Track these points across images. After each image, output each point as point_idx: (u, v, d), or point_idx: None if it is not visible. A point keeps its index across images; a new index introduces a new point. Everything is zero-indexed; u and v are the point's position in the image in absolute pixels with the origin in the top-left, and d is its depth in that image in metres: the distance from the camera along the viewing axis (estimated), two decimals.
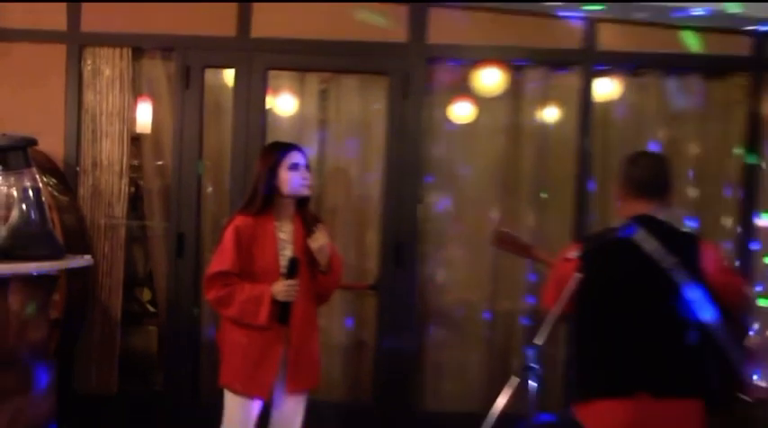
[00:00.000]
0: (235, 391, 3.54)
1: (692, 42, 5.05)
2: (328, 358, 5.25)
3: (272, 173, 3.52)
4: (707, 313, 2.95)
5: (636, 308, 3.02)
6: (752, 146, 5.10)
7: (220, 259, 3.51)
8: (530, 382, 2.89)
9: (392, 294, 5.14)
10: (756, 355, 3.48)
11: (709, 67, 5.15)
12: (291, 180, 3.52)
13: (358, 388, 5.33)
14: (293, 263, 3.43)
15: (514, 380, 2.87)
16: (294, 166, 3.53)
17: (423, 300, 5.25)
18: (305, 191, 3.59)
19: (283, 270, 3.47)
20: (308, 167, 3.62)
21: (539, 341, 2.93)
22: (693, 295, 2.95)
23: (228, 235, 3.52)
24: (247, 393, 3.53)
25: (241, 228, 3.51)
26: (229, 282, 3.47)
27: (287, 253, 3.53)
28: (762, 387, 3.67)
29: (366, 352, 5.31)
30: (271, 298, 3.41)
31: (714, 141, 5.20)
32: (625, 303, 3.04)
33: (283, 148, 3.62)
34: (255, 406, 3.56)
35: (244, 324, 3.48)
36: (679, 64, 5.13)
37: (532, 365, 2.85)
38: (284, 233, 3.58)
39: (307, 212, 3.69)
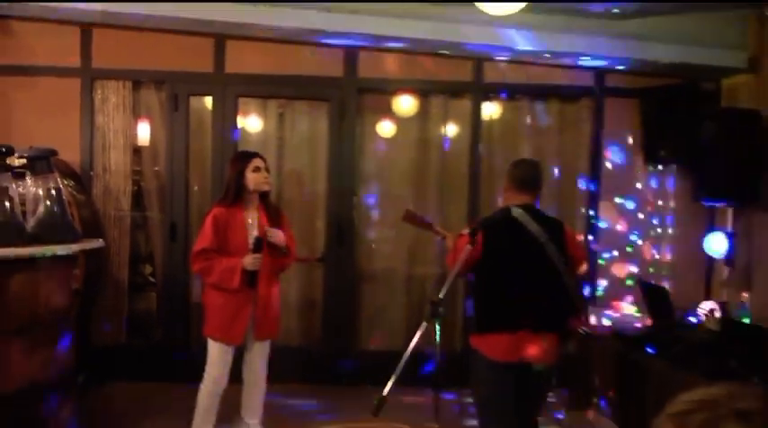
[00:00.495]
0: (215, 339, 3.58)
1: (550, 75, 5.21)
2: (287, 314, 5.29)
3: (240, 174, 3.57)
4: (566, 275, 3.12)
5: (520, 269, 3.12)
6: (596, 152, 5.28)
7: (202, 239, 3.55)
8: (435, 325, 3.00)
9: (335, 264, 5.21)
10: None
11: (565, 94, 5.30)
12: (255, 179, 3.57)
13: (311, 336, 5.38)
14: (258, 242, 3.49)
15: (424, 325, 2.95)
16: (256, 169, 3.59)
17: (358, 268, 5.33)
18: (266, 188, 3.65)
19: (250, 247, 3.51)
20: (267, 170, 3.68)
21: (441, 294, 3.04)
22: (559, 262, 3.10)
23: (208, 221, 3.56)
24: (225, 340, 3.57)
25: (218, 216, 3.55)
26: (209, 257, 3.51)
27: (253, 234, 3.57)
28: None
29: (316, 308, 5.36)
30: (242, 268, 3.46)
31: (569, 148, 5.34)
32: (513, 265, 3.13)
33: (248, 156, 3.67)
34: (231, 350, 3.60)
35: (222, 288, 3.52)
36: (542, 91, 5.27)
37: (438, 312, 2.95)
38: (251, 219, 3.62)
39: (268, 203, 3.74)
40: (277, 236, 3.60)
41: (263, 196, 3.69)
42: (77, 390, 4.05)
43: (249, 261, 3.45)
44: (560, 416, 4.45)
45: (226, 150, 5.04)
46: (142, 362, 4.99)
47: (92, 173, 5.04)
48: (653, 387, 3.16)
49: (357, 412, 4.14)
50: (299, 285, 5.35)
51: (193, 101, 5.20)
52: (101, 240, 4.03)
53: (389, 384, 2.65)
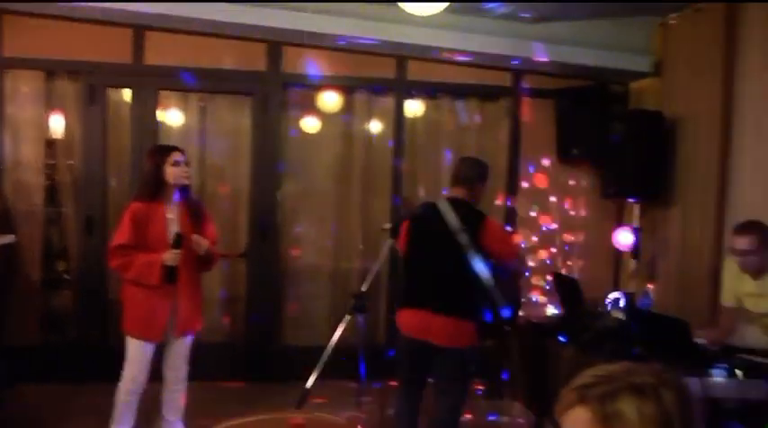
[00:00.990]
0: (134, 336, 3.49)
1: (471, 75, 5.34)
2: (211, 310, 5.23)
3: (159, 168, 3.49)
4: (479, 266, 3.24)
5: (429, 254, 3.35)
6: (514, 148, 5.46)
7: (120, 235, 3.45)
8: (358, 318, 3.07)
9: (258, 259, 5.18)
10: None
11: (485, 93, 5.46)
12: (174, 173, 3.50)
13: (235, 332, 5.31)
14: (177, 238, 3.42)
15: (348, 318, 3.00)
16: (176, 163, 3.51)
17: (282, 263, 5.31)
18: (185, 181, 3.57)
19: (170, 242, 3.44)
20: (187, 163, 3.60)
21: (364, 288, 3.10)
22: (468, 252, 3.23)
23: (126, 216, 3.46)
24: (143, 337, 3.48)
25: (136, 212, 3.46)
26: (127, 253, 3.42)
27: (173, 229, 3.49)
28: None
29: (240, 304, 5.30)
30: (161, 263, 3.39)
31: (488, 145, 5.48)
32: (424, 250, 3.38)
33: (166, 149, 3.59)
34: (150, 348, 3.52)
35: (141, 284, 3.44)
36: (463, 90, 5.40)
37: (361, 306, 3.01)
38: (171, 214, 3.54)
39: (189, 198, 3.66)
40: (200, 247, 3.52)
41: (184, 190, 3.62)
42: None
43: (168, 257, 3.39)
44: (477, 404, 4.61)
45: (145, 144, 4.87)
46: (58, 362, 4.81)
47: (1, 166, 4.81)
48: (564, 372, 3.32)
49: (282, 406, 4.16)
50: (223, 281, 5.28)
51: (111, 93, 5.04)
52: (12, 236, 3.87)
53: (313, 377, 2.70)
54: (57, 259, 5.09)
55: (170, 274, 3.42)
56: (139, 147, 4.86)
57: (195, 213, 3.62)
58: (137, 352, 3.49)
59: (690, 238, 4.72)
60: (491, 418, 4.45)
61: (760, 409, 3.05)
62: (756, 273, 3.39)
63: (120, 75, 4.99)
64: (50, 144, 5.02)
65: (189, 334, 3.65)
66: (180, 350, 3.63)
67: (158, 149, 3.65)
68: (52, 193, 5.08)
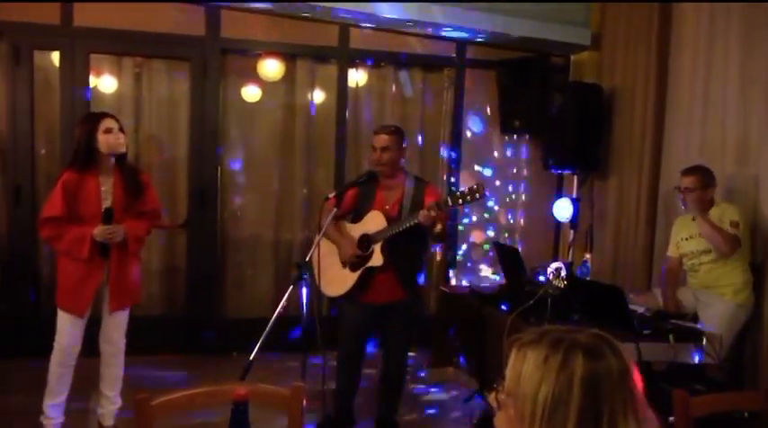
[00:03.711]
0: (63, 309, 3.36)
1: (415, 45, 5.28)
2: (150, 282, 5.07)
3: (91, 136, 3.30)
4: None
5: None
6: (456, 121, 5.45)
7: (51, 206, 3.28)
8: (302, 289, 3.01)
9: (198, 230, 5.04)
10: None
11: (428, 64, 5.40)
12: (107, 141, 3.31)
13: (174, 304, 5.16)
14: (107, 213, 3.27)
15: (291, 288, 2.93)
16: (108, 130, 3.32)
17: (222, 234, 5.18)
18: (121, 149, 3.38)
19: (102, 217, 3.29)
20: (121, 130, 3.41)
21: (308, 258, 3.05)
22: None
23: (57, 187, 3.28)
24: (72, 310, 3.34)
25: (67, 182, 3.28)
26: (58, 225, 3.27)
27: (107, 201, 3.33)
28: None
29: (179, 275, 5.15)
30: (91, 238, 3.25)
31: (431, 115, 5.46)
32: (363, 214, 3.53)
33: (97, 116, 3.39)
34: (81, 320, 3.38)
35: (72, 257, 3.30)
36: (407, 61, 5.33)
37: (303, 276, 2.95)
38: (105, 185, 3.37)
39: (125, 167, 3.47)
40: (112, 236, 3.31)
41: (120, 159, 3.44)
42: None
43: (98, 231, 3.24)
44: (422, 374, 4.65)
45: (76, 111, 4.65)
46: None
47: None
48: (506, 340, 3.37)
49: (223, 379, 4.08)
50: (162, 252, 5.11)
51: (39, 56, 4.74)
52: None
53: (256, 348, 2.64)
54: None
55: (102, 248, 3.29)
56: (70, 114, 4.62)
57: (132, 183, 3.44)
58: (66, 324, 3.36)
59: (626, 208, 4.84)
60: (435, 388, 4.49)
61: (688, 371, 3.18)
62: (697, 213, 3.63)
63: (48, 36, 4.70)
64: None
65: (124, 308, 3.52)
66: (115, 323, 3.51)
67: (89, 117, 3.45)
68: None
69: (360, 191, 3.52)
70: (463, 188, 3.49)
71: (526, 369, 1.09)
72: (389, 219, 3.46)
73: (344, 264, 3.54)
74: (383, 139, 3.49)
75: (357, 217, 3.56)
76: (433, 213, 3.21)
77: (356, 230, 3.55)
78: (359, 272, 3.50)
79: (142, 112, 5.03)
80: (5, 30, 4.58)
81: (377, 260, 3.46)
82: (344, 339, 3.65)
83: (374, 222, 3.50)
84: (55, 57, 4.80)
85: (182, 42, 4.89)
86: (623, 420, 1.06)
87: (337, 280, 3.50)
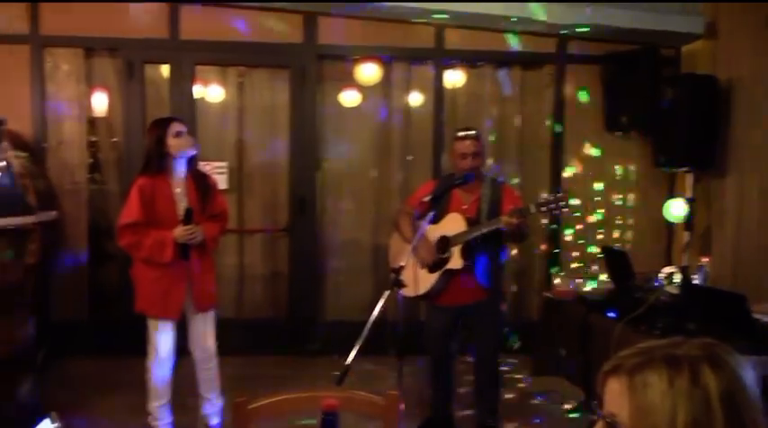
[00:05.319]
0: (151, 316, 3.41)
1: (513, 42, 5.14)
2: (253, 286, 5.23)
3: (161, 141, 3.34)
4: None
5: None
6: (557, 118, 5.25)
7: (128, 212, 3.32)
8: (398, 293, 2.97)
9: (299, 235, 5.13)
10: None
11: (527, 61, 5.23)
12: (177, 144, 3.36)
13: (277, 307, 5.27)
14: (188, 213, 3.31)
15: (387, 293, 2.90)
16: (177, 134, 3.36)
17: (322, 239, 5.24)
18: (191, 151, 3.43)
19: (181, 218, 3.33)
20: (189, 133, 3.49)
21: (403, 262, 3.00)
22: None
23: (133, 193, 3.33)
24: (161, 316, 3.39)
25: (142, 187, 3.33)
26: (137, 231, 3.30)
27: (182, 204, 3.38)
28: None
29: (281, 279, 5.26)
30: (173, 240, 3.29)
31: (531, 115, 5.28)
32: None
33: (166, 121, 3.44)
34: (169, 326, 3.43)
35: (153, 262, 3.33)
36: (504, 58, 5.18)
37: (400, 280, 2.91)
38: (179, 188, 3.41)
39: (195, 170, 3.50)
40: (195, 238, 3.36)
41: (190, 162, 3.47)
42: (37, 366, 3.93)
43: (180, 233, 3.27)
44: (525, 382, 4.50)
45: (185, 120, 4.87)
46: (103, 337, 4.82)
47: (45, 144, 4.83)
48: (613, 349, 3.17)
49: (322, 382, 4.12)
50: (265, 257, 5.25)
51: (149, 69, 5.00)
52: (54, 212, 3.87)
53: (353, 353, 2.62)
54: (102, 236, 5.10)
55: (182, 251, 3.32)
56: None
57: (202, 186, 3.48)
58: (158, 330, 3.42)
59: (747, 209, 4.47)
60: (538, 396, 4.34)
61: None
62: None
63: (157, 50, 4.94)
64: (92, 121, 5.03)
65: (208, 309, 3.55)
66: (203, 325, 3.53)
67: (158, 122, 3.48)
68: (95, 171, 5.10)
69: (436, 193, 3.46)
70: (546, 195, 3.34)
71: (651, 398, 0.96)
72: (468, 221, 3.43)
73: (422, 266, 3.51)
74: (473, 145, 3.47)
75: (435, 219, 3.44)
76: (515, 220, 3.16)
77: (434, 232, 3.49)
78: (437, 274, 3.49)
79: (245, 121, 5.19)
80: (120, 46, 4.85)
81: (456, 262, 3.43)
82: (430, 343, 3.65)
83: (453, 224, 3.46)
84: (164, 69, 5.03)
85: (280, 50, 4.99)
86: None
87: (415, 280, 3.45)
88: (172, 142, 3.35)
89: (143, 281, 3.41)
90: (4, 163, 3.28)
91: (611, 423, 1.01)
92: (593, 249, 5.27)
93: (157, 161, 3.36)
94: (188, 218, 3.31)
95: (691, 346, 1.00)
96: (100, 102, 5.02)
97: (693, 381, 0.95)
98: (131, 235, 3.30)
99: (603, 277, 4.58)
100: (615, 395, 1.00)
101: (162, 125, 3.41)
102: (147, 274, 3.39)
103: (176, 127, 3.38)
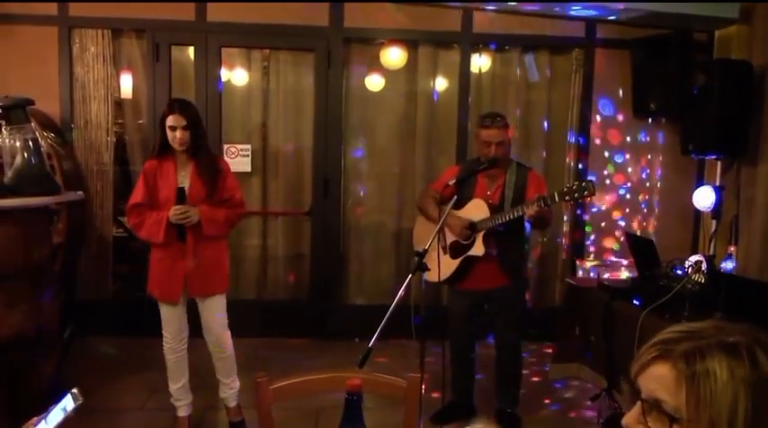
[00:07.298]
0: (155, 297, 3.44)
1: (541, 26, 5.05)
2: (276, 268, 5.27)
3: (162, 129, 3.33)
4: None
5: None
6: (585, 103, 5.18)
7: (135, 194, 3.38)
8: (421, 277, 2.98)
9: (322, 218, 5.15)
10: None
11: (555, 45, 5.17)
12: (171, 137, 3.30)
13: (299, 289, 5.32)
14: (180, 192, 3.29)
15: (410, 277, 2.90)
16: (171, 128, 3.29)
17: (345, 222, 5.26)
18: (178, 147, 3.31)
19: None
20: (186, 127, 3.28)
21: (427, 246, 2.99)
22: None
23: (141, 176, 3.40)
24: (162, 298, 3.42)
25: (147, 170, 3.37)
26: (141, 212, 3.34)
27: (184, 186, 3.35)
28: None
29: (304, 261, 5.29)
30: (167, 220, 3.28)
31: (558, 99, 5.23)
32: None
33: (165, 112, 3.35)
34: (177, 307, 3.43)
35: (152, 243, 3.36)
36: (532, 42, 5.13)
37: (423, 264, 2.90)
38: (183, 170, 3.38)
39: (204, 154, 3.39)
40: (187, 218, 3.30)
41: (194, 152, 3.37)
42: (62, 344, 4.01)
43: (171, 213, 3.26)
44: (546, 368, 4.48)
45: (210, 103, 4.92)
46: (127, 316, 4.88)
47: (72, 125, 4.89)
48: (638, 338, 3.15)
49: (344, 364, 4.13)
50: (288, 239, 5.28)
51: (176, 51, 5.02)
52: (80, 192, 3.92)
53: (375, 336, 2.63)
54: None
55: (178, 232, 3.32)
56: (204, 106, 4.84)
57: (207, 169, 3.38)
58: (164, 313, 3.45)
59: None
60: (559, 384, 4.33)
61: None
62: None
63: (184, 32, 4.96)
64: (119, 103, 5.08)
65: (209, 295, 3.46)
66: (209, 311, 3.48)
67: (165, 109, 3.39)
68: (122, 152, 5.16)
69: (460, 177, 3.44)
70: (571, 184, 3.31)
71: (713, 388, 0.93)
72: (492, 208, 3.43)
73: (445, 250, 3.50)
74: (498, 134, 3.44)
75: (457, 204, 3.39)
76: (537, 208, 3.18)
77: (457, 216, 3.51)
78: (459, 260, 3.50)
79: (270, 104, 5.19)
80: (147, 27, 4.88)
81: (478, 249, 3.44)
82: (452, 327, 3.68)
83: (477, 210, 3.46)
84: (190, 51, 5.06)
85: (306, 33, 4.99)
86: None
87: (437, 265, 3.43)
88: (167, 133, 3.32)
89: (150, 263, 3.45)
90: (32, 143, 3.31)
91: (656, 408, 0.98)
92: (618, 236, 5.22)
93: (160, 145, 3.37)
94: (180, 197, 3.29)
95: (736, 331, 0.98)
96: (126, 84, 5.06)
97: (752, 368, 0.93)
98: (136, 215, 3.36)
99: (626, 264, 4.55)
100: (665, 381, 0.97)
101: (163, 114, 3.36)
102: (153, 255, 3.44)
103: (171, 120, 3.30)
